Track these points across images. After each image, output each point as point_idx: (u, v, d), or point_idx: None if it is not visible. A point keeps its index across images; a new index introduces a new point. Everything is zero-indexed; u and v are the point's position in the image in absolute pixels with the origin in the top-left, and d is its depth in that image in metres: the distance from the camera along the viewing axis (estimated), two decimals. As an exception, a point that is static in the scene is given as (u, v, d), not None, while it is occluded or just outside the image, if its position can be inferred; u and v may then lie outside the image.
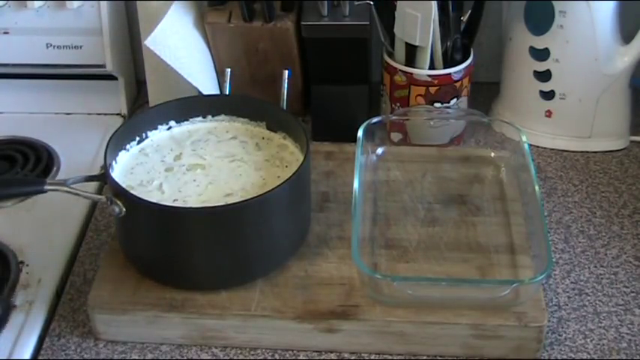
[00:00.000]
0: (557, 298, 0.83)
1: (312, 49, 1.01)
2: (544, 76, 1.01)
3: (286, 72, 0.93)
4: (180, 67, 0.95)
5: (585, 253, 0.89)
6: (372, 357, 0.78)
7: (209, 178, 0.83)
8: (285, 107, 0.91)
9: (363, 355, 0.78)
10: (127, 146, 0.86)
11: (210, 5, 1.01)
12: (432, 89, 0.98)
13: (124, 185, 0.79)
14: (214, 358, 0.78)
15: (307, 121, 1.05)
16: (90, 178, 0.83)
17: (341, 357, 0.78)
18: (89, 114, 1.12)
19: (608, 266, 0.87)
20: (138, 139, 0.87)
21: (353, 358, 0.78)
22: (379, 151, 0.98)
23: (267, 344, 0.79)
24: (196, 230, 0.76)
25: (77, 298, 0.84)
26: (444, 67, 0.97)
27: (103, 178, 0.82)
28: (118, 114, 1.11)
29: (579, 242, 0.90)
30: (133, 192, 0.78)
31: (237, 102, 0.91)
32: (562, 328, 0.80)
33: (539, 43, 0.99)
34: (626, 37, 1.01)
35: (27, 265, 0.87)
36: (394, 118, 0.99)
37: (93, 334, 0.80)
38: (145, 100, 1.12)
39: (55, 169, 1.00)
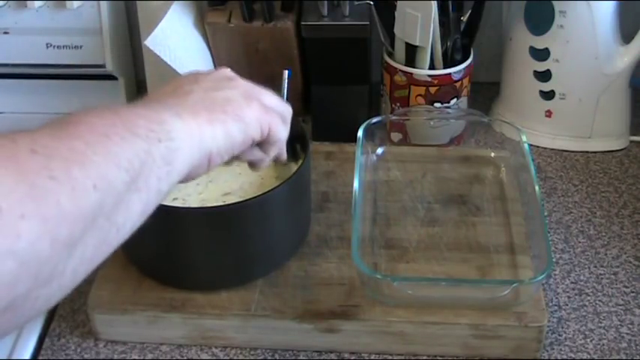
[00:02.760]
0: (557, 298, 0.83)
1: (312, 49, 1.01)
2: (544, 76, 1.01)
3: (286, 72, 0.93)
4: (180, 67, 0.95)
5: (585, 253, 0.89)
6: (372, 357, 0.78)
7: (209, 176, 0.83)
8: (285, 107, 0.91)
9: (363, 355, 0.78)
10: (127, 146, 0.86)
11: (210, 5, 1.01)
12: (432, 89, 0.98)
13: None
14: (214, 358, 0.78)
15: (307, 121, 1.05)
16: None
17: (341, 357, 0.78)
18: (89, 114, 1.11)
19: (608, 266, 0.87)
20: (138, 139, 0.87)
21: (353, 358, 0.78)
22: (379, 151, 0.98)
23: (267, 344, 0.79)
24: (196, 230, 0.76)
25: (77, 298, 0.84)
26: (444, 67, 0.97)
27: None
28: (118, 114, 1.11)
29: (579, 242, 0.90)
30: (133, 192, 0.77)
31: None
32: (562, 328, 0.80)
33: (539, 43, 0.99)
34: (626, 37, 1.01)
35: (27, 265, 0.87)
36: (394, 118, 0.99)
37: (93, 334, 0.80)
38: (145, 100, 1.11)
39: (55, 169, 1.00)
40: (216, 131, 0.61)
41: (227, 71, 0.70)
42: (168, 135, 0.55)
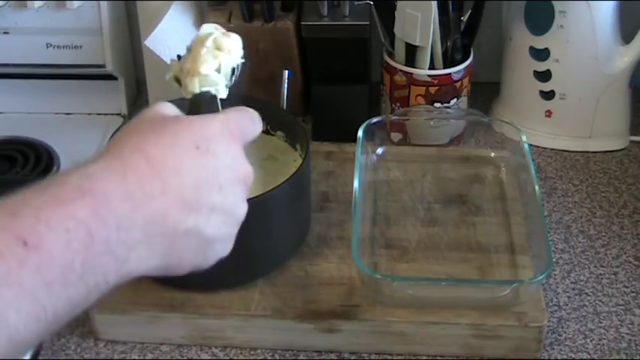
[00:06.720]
0: (557, 298, 0.83)
1: (312, 49, 1.01)
2: (544, 76, 1.01)
3: (286, 72, 0.93)
4: (180, 67, 0.95)
5: (585, 253, 0.89)
6: (372, 357, 0.78)
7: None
8: (285, 107, 0.91)
9: (363, 355, 0.78)
10: (127, 146, 0.86)
11: (210, 5, 1.01)
12: (432, 89, 0.98)
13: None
14: (214, 358, 0.78)
15: (307, 121, 1.05)
16: (90, 178, 0.83)
17: (341, 357, 0.78)
18: (89, 114, 1.12)
19: (608, 266, 0.87)
20: (138, 139, 0.87)
21: (353, 358, 0.78)
22: (379, 151, 0.98)
23: (267, 344, 0.79)
24: (196, 230, 0.76)
25: (77, 298, 0.84)
26: (444, 67, 0.97)
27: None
28: (118, 114, 1.11)
29: (579, 242, 0.90)
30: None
31: (237, 102, 0.91)
32: (562, 328, 0.80)
33: (539, 43, 0.99)
34: (626, 37, 1.01)
35: (27, 265, 0.86)
36: (394, 118, 0.99)
37: (93, 334, 0.80)
38: (144, 100, 1.12)
39: (55, 169, 1.00)
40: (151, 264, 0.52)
41: (248, 175, 0.58)
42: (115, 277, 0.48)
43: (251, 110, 0.60)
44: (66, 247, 0.44)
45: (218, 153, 0.54)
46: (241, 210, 0.56)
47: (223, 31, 0.69)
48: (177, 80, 0.69)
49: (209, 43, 0.67)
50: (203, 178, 0.52)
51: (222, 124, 0.55)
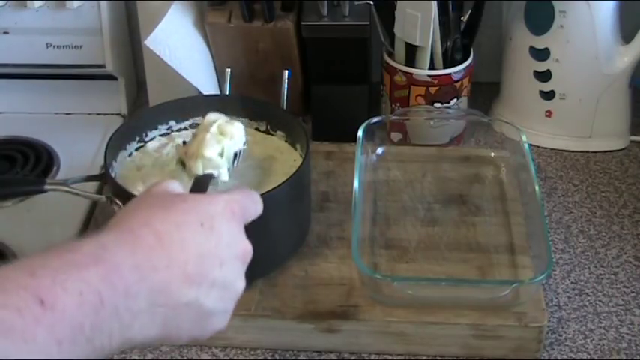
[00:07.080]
0: (557, 298, 0.83)
1: (312, 49, 1.01)
2: (544, 76, 1.01)
3: (286, 72, 0.93)
4: (180, 67, 0.95)
5: (585, 253, 0.89)
6: (372, 357, 0.78)
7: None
8: (285, 107, 0.91)
9: (363, 355, 0.78)
10: (127, 146, 0.86)
11: (210, 5, 1.01)
12: (432, 89, 0.98)
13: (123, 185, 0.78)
14: (214, 358, 0.78)
15: (307, 121, 1.05)
16: (90, 178, 0.83)
17: (341, 357, 0.78)
18: (89, 114, 1.12)
19: (608, 266, 0.87)
20: (138, 139, 0.87)
21: (353, 358, 0.78)
22: (379, 151, 0.98)
23: (267, 344, 0.79)
24: (196, 230, 0.76)
25: (77, 298, 0.84)
26: (444, 67, 0.97)
27: (103, 178, 0.82)
28: (118, 114, 1.11)
29: (579, 242, 0.90)
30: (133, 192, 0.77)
31: (237, 102, 0.91)
32: (562, 328, 0.80)
33: (539, 43, 0.99)
34: (626, 37, 1.01)
35: (27, 265, 0.86)
36: (394, 118, 0.99)
37: (93, 334, 0.80)
38: (144, 100, 1.12)
39: (55, 169, 1.00)
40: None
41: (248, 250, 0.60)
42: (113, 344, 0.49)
43: (253, 192, 0.63)
44: (78, 309, 0.47)
45: (220, 231, 0.57)
46: (240, 285, 0.59)
47: (227, 119, 0.71)
48: (182, 163, 0.72)
49: (213, 129, 0.71)
50: (206, 254, 0.55)
51: (225, 204, 0.58)
